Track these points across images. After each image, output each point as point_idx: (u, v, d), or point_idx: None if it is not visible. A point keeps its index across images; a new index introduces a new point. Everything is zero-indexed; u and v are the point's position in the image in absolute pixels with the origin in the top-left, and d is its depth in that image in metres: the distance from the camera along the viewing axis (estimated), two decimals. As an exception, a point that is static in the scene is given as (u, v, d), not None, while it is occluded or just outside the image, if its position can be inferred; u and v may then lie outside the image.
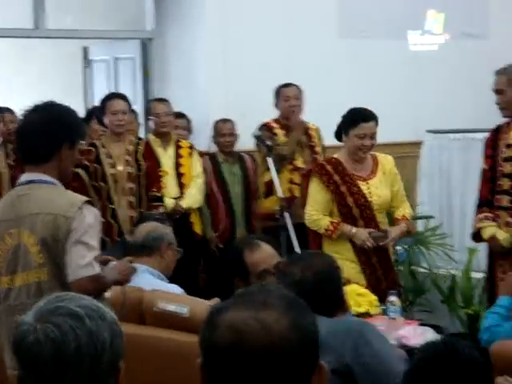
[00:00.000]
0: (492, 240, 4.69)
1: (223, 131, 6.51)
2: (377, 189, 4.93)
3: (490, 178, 4.84)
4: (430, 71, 8.05)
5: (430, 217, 6.28)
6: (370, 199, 4.90)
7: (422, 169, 6.86)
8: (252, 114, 6.59)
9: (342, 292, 3.06)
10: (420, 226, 6.45)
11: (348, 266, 4.80)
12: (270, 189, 6.33)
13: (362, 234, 4.89)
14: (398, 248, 6.12)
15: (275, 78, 6.60)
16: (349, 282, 4.55)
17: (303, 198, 5.13)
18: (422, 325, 5.08)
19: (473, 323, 5.35)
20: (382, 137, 7.88)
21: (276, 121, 6.44)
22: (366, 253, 4.94)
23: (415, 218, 6.37)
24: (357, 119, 4.90)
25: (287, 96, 6.37)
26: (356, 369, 2.70)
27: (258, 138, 6.08)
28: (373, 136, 4.90)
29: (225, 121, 6.57)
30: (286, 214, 5.68)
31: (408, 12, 7.85)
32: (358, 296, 5.05)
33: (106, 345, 1.79)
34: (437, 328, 5.47)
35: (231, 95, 7.13)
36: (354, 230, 4.91)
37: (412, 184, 6.59)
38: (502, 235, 4.62)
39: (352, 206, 4.90)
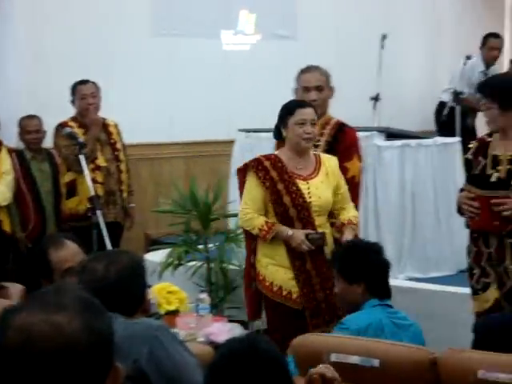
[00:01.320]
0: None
1: (29, 128, 6.39)
2: (317, 189, 4.57)
3: None
4: (242, 71, 8.18)
5: (241, 214, 6.35)
6: (308, 200, 4.54)
7: (233, 167, 6.93)
8: (55, 110, 6.52)
9: (146, 291, 3.03)
10: (231, 223, 6.52)
11: (280, 272, 4.54)
12: (71, 190, 6.29)
13: (298, 235, 4.48)
14: (210, 245, 6.19)
15: (87, 76, 6.51)
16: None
17: (241, 194, 4.77)
18: (231, 321, 5.17)
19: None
20: (194, 135, 8.05)
21: (73, 119, 6.39)
22: (301, 258, 4.54)
23: (226, 215, 6.46)
24: (293, 107, 4.57)
25: (83, 94, 6.32)
26: (151, 374, 2.68)
27: (69, 135, 5.99)
28: (314, 123, 4.55)
29: (31, 117, 6.44)
30: (99, 212, 5.63)
31: (221, 12, 7.95)
32: (169, 294, 5.06)
33: None
34: (245, 324, 5.58)
35: (39, 91, 7.01)
36: (291, 231, 4.49)
37: (225, 182, 6.66)
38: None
39: (289, 206, 4.53)
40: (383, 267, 3.98)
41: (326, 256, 4.53)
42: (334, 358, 3.30)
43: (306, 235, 4.48)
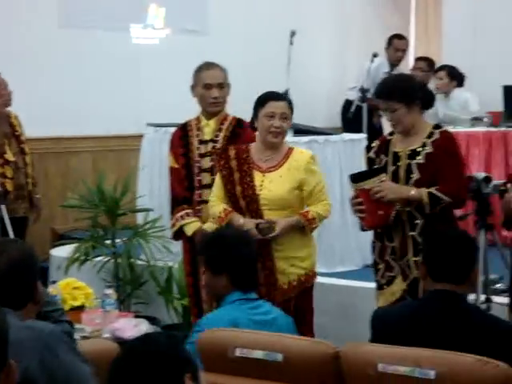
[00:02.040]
0: (198, 234, 4.76)
1: None
2: (271, 183, 4.49)
3: (185, 176, 4.92)
4: (151, 65, 8.15)
5: (149, 209, 6.33)
6: (258, 192, 4.48)
7: (142, 162, 6.90)
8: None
9: (36, 283, 2.95)
10: (139, 218, 6.50)
11: None
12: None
13: (248, 225, 4.42)
14: (117, 241, 6.16)
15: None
16: None
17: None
18: (137, 317, 5.15)
19: (187, 314, 5.47)
20: (103, 129, 7.98)
21: None
22: None
23: (133, 211, 6.43)
24: (265, 99, 4.51)
25: None
26: (41, 380, 2.62)
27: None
28: (285, 117, 4.47)
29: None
30: (2, 207, 5.55)
31: (130, 5, 7.90)
32: (74, 289, 5.02)
33: None
34: (153, 319, 5.58)
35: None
36: (242, 220, 4.47)
37: (133, 177, 6.63)
38: (209, 226, 4.68)
39: (239, 197, 4.51)
40: (247, 259, 3.85)
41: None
42: (238, 352, 3.32)
43: (257, 224, 4.44)
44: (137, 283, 6.11)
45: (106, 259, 6.09)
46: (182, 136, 4.99)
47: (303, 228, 4.48)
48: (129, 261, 6.06)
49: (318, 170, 4.59)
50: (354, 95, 8.43)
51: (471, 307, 3.56)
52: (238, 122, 4.94)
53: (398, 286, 4.30)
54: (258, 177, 4.52)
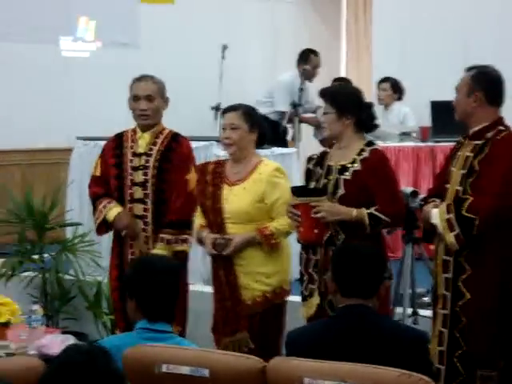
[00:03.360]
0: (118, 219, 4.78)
1: None
2: (235, 196, 4.49)
3: (116, 188, 4.88)
4: (82, 78, 8.09)
5: (78, 224, 6.27)
6: (222, 205, 4.49)
7: (71, 176, 6.84)
8: None
9: None
10: (68, 233, 6.43)
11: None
12: None
13: (206, 239, 4.52)
14: (45, 255, 6.08)
15: None
16: None
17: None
18: (65, 332, 5.07)
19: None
20: (32, 142, 7.87)
21: None
22: (216, 264, 4.54)
23: (62, 225, 6.35)
24: (223, 112, 4.62)
25: None
26: None
27: None
28: (233, 127, 4.49)
29: None
30: None
31: (59, 18, 7.82)
32: (0, 305, 4.92)
33: None
34: (80, 335, 5.51)
35: None
36: (205, 233, 4.54)
37: (62, 191, 6.56)
38: (158, 251, 4.68)
39: (208, 210, 4.53)
40: (159, 288, 3.50)
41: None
42: (164, 368, 3.30)
43: (214, 239, 4.47)
44: (65, 298, 6.04)
45: (34, 274, 6.00)
46: (116, 146, 4.92)
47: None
48: (57, 276, 5.99)
49: (283, 182, 4.52)
50: (265, 110, 8.20)
51: (381, 318, 3.60)
52: (174, 137, 4.89)
53: (315, 300, 4.33)
54: (226, 190, 4.53)
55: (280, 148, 6.96)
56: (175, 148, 4.84)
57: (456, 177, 4.17)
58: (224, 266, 4.48)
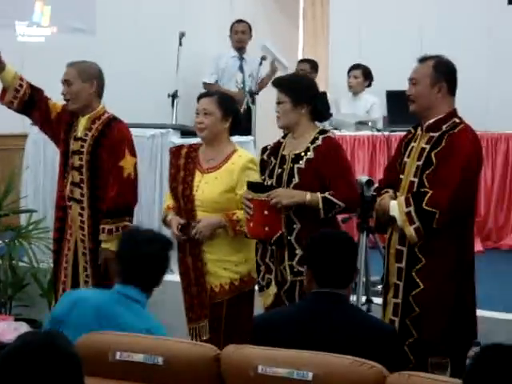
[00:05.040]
0: None
1: None
2: (206, 183, 4.47)
3: (63, 163, 4.94)
4: (37, 63, 7.97)
5: (33, 211, 6.23)
6: (193, 192, 4.47)
7: (26, 162, 6.78)
8: None
9: None
10: (23, 219, 6.38)
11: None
12: None
13: (172, 222, 4.52)
14: (-1, 242, 6.03)
15: None
16: None
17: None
18: (17, 320, 5.05)
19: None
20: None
21: None
22: (183, 250, 4.53)
23: (16, 211, 6.30)
24: (198, 97, 4.60)
25: None
26: None
27: None
28: (205, 113, 4.46)
29: None
30: None
31: (15, 2, 7.73)
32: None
33: None
34: (33, 322, 5.48)
35: None
36: (170, 216, 4.55)
37: (17, 177, 6.50)
38: None
39: (179, 196, 4.51)
40: (134, 255, 3.68)
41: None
42: (118, 356, 3.30)
43: (181, 224, 4.47)
44: (19, 285, 5.99)
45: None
46: (70, 122, 4.96)
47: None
48: (11, 263, 5.94)
49: (256, 174, 4.50)
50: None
51: (353, 308, 3.63)
52: (108, 122, 4.91)
53: (272, 290, 4.34)
54: (197, 177, 4.52)
55: (237, 136, 6.95)
56: (107, 133, 4.87)
57: (410, 168, 4.19)
58: (191, 252, 4.49)
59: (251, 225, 4.27)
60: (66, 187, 4.90)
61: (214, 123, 4.51)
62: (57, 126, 4.98)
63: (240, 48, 8.84)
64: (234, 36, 8.89)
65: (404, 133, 4.45)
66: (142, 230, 3.97)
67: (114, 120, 4.92)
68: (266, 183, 4.38)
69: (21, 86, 4.99)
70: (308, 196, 4.22)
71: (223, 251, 4.49)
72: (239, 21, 8.93)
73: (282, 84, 4.44)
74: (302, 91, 4.38)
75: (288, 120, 4.38)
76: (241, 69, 8.74)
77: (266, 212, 4.21)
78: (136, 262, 3.68)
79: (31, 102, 4.99)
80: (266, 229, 4.24)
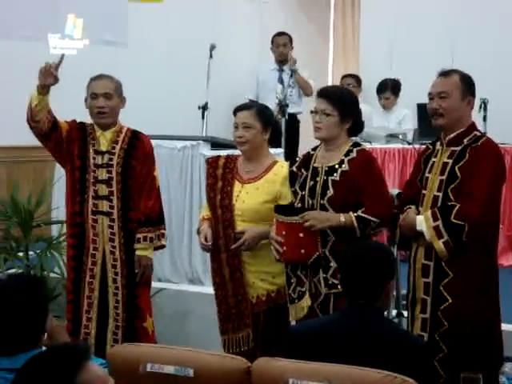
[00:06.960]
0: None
1: None
2: (247, 194, 4.47)
3: (79, 179, 4.94)
4: (69, 76, 8.01)
5: (64, 222, 6.24)
6: (233, 202, 4.47)
7: (58, 174, 6.81)
8: None
9: None
10: (54, 231, 6.42)
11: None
12: None
13: (202, 233, 4.54)
14: (31, 253, 6.06)
15: None
16: None
17: None
18: (49, 331, 5.06)
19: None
20: (18, 139, 7.83)
21: None
22: (218, 260, 4.54)
23: (47, 223, 6.33)
24: (234, 110, 4.57)
25: None
26: None
27: None
28: (245, 126, 4.44)
29: None
30: None
31: (47, 15, 7.80)
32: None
33: None
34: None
35: None
36: (204, 226, 4.55)
37: (48, 189, 6.54)
38: None
39: (217, 205, 4.50)
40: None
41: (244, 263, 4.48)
42: (149, 367, 3.30)
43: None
44: (50, 296, 6.01)
45: (19, 272, 5.97)
46: (82, 137, 4.97)
47: None
48: (42, 273, 5.97)
49: None
50: None
51: (387, 321, 3.60)
52: (134, 134, 4.96)
53: (306, 302, 4.33)
54: (237, 187, 4.51)
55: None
56: (138, 145, 4.92)
57: (433, 183, 4.17)
58: (229, 263, 4.50)
59: (285, 248, 4.25)
60: (88, 202, 4.90)
61: (254, 136, 4.49)
62: (67, 144, 4.96)
63: (281, 61, 8.83)
64: (276, 50, 8.86)
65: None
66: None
67: (138, 132, 4.98)
68: (295, 204, 4.36)
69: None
70: (342, 218, 4.19)
71: (264, 263, 4.48)
72: (280, 33, 8.90)
73: (331, 96, 4.33)
74: (350, 106, 4.34)
75: (331, 133, 4.32)
76: (280, 80, 8.72)
77: (301, 234, 4.18)
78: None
79: (55, 123, 4.97)
80: (302, 251, 4.22)
